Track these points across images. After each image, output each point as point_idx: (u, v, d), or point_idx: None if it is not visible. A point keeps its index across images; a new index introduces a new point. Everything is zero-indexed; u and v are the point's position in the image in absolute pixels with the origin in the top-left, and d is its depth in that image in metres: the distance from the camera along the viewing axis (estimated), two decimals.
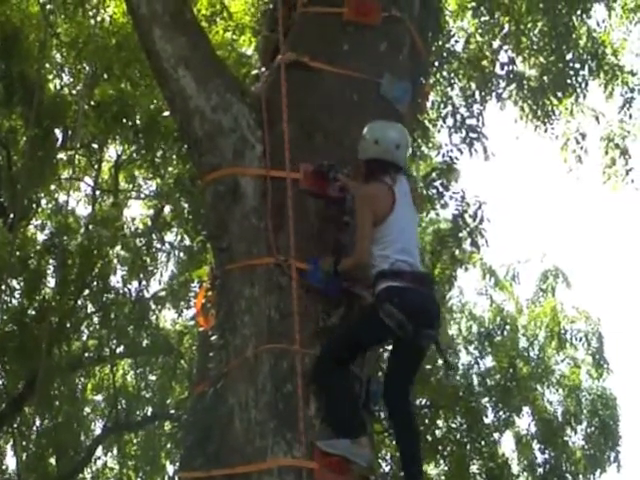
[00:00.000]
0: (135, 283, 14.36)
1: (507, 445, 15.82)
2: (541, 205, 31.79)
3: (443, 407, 14.11)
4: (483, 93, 12.33)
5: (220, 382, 5.17)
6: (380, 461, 13.51)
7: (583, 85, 12.29)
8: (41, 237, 14.64)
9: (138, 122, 12.61)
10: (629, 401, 24.72)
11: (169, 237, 14.81)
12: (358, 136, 5.49)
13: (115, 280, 14.13)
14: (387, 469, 13.97)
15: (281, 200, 5.44)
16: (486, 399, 14.96)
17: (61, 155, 13.96)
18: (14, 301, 13.73)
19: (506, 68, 12.35)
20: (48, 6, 12.95)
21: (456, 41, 12.53)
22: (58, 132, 13.37)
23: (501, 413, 15.03)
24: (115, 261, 13.96)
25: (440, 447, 14.03)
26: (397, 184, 5.36)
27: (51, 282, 13.87)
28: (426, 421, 13.79)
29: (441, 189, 12.34)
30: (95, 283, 13.88)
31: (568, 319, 16.18)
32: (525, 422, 15.66)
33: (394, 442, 14.05)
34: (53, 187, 14.65)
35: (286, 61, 5.89)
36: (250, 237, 5.46)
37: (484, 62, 12.39)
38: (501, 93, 12.44)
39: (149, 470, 17.15)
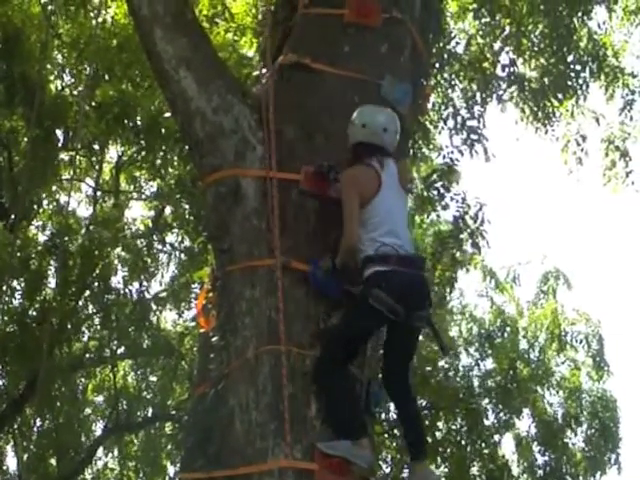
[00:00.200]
0: (136, 284, 14.36)
1: (507, 447, 15.84)
2: (542, 207, 31.84)
3: (443, 409, 14.12)
4: (484, 95, 12.34)
5: (221, 383, 5.16)
6: (380, 462, 13.52)
7: (584, 87, 12.30)
8: (42, 238, 14.66)
9: (139, 123, 12.61)
10: (629, 403, 24.73)
11: (170, 238, 14.85)
12: None
13: (116, 281, 14.15)
14: (387, 470, 13.99)
15: (281, 201, 5.45)
16: (486, 401, 14.97)
17: (62, 156, 13.95)
18: (15, 302, 13.74)
19: (507, 70, 12.36)
20: (49, 7, 12.95)
21: (457, 43, 12.57)
22: (59, 133, 13.37)
23: (501, 415, 15.05)
24: (116, 262, 13.96)
25: (440, 449, 14.04)
26: (384, 167, 5.37)
27: (52, 283, 13.89)
28: (426, 423, 13.79)
29: (442, 191, 12.35)
30: (96, 284, 13.88)
31: (568, 321, 16.19)
32: (525, 424, 15.70)
33: (394, 445, 14.13)
34: (54, 188, 14.65)
35: (287, 62, 5.91)
36: (251, 238, 5.45)
37: (485, 64, 12.39)
38: (502, 95, 12.45)
39: (150, 471, 17.16)
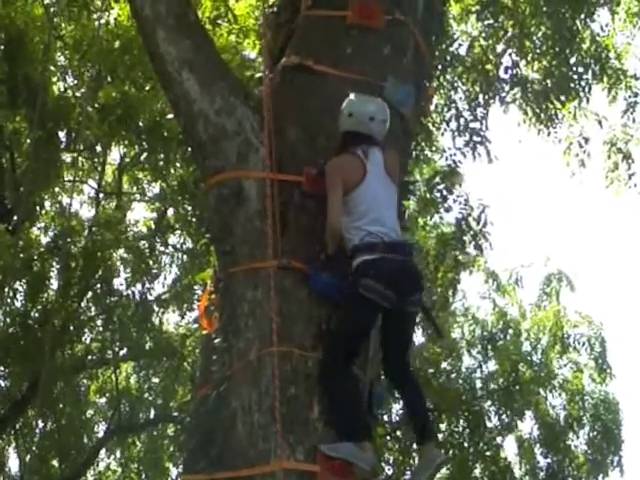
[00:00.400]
0: (138, 286, 14.36)
1: (509, 449, 15.85)
2: (544, 209, 31.78)
3: (446, 411, 14.10)
4: (487, 97, 12.34)
5: (223, 385, 5.16)
6: (383, 464, 13.51)
7: (586, 89, 12.28)
8: (44, 239, 14.64)
9: (142, 125, 12.61)
10: (632, 405, 24.70)
11: (172, 240, 14.86)
12: None
13: (118, 283, 14.16)
14: (390, 472, 13.98)
15: (283, 203, 5.45)
16: (489, 403, 14.98)
17: (65, 157, 13.95)
18: (17, 303, 13.74)
19: (509, 72, 12.36)
20: (52, 8, 12.97)
21: (460, 45, 12.55)
22: (62, 134, 13.36)
23: (504, 417, 15.05)
24: (118, 264, 13.96)
25: (442, 450, 14.02)
26: (370, 156, 5.39)
27: (54, 284, 13.89)
28: None
29: (444, 193, 12.37)
30: (98, 286, 13.88)
31: (571, 323, 16.19)
32: (528, 426, 15.71)
33: (396, 447, 14.12)
34: (57, 189, 14.66)
35: (290, 64, 5.91)
36: (253, 240, 5.45)
37: (488, 66, 12.39)
38: (504, 97, 12.45)
39: (152, 473, 17.18)
